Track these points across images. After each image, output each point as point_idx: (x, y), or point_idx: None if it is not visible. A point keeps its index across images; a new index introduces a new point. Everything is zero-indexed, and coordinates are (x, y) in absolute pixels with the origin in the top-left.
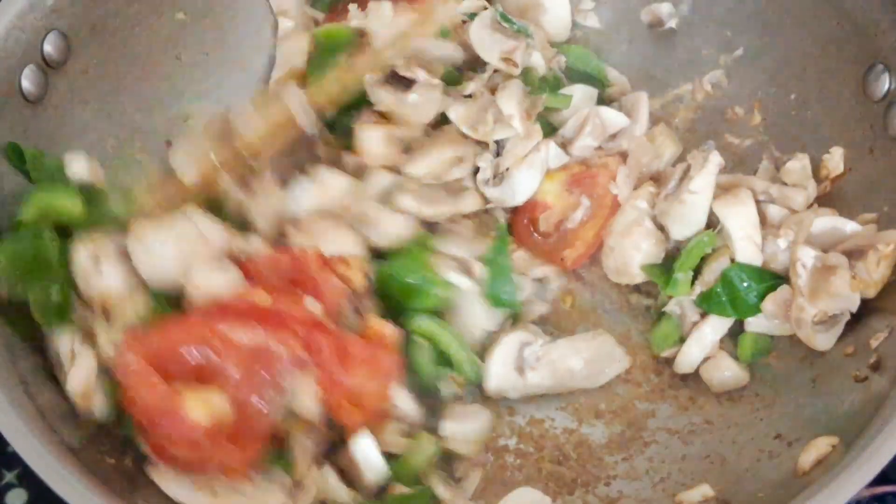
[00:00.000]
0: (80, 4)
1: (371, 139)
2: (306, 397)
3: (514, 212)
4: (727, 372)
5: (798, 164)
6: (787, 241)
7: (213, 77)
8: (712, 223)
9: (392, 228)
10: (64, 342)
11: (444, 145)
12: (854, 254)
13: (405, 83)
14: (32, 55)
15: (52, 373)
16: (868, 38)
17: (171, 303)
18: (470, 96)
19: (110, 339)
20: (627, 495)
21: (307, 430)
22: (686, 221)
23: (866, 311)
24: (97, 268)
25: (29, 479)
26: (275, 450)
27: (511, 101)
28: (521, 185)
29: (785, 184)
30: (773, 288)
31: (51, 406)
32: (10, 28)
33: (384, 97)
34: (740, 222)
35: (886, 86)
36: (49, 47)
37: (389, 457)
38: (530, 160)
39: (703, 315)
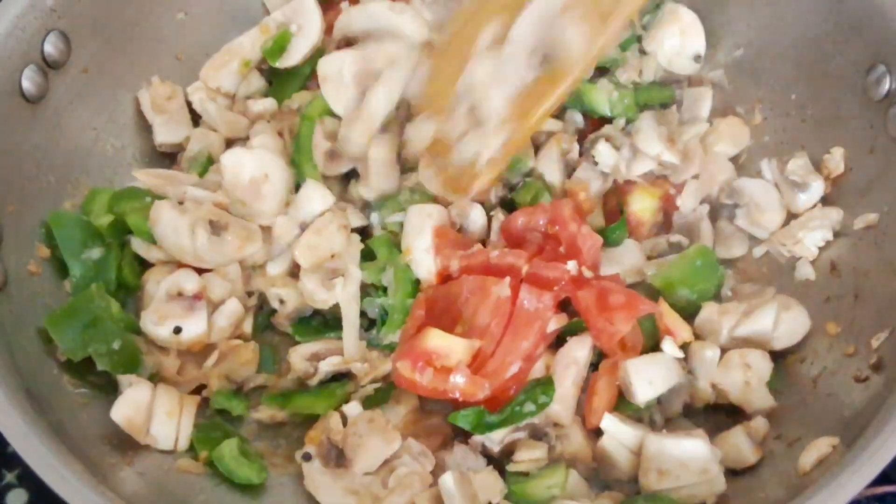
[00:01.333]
0: (80, 5)
1: None
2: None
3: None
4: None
5: (801, 163)
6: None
7: None
8: None
9: None
10: (124, 379)
11: None
12: None
13: None
14: (33, 55)
15: (53, 372)
16: (868, 38)
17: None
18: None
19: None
20: None
21: None
22: None
23: (867, 310)
24: None
25: (29, 479)
26: None
27: (650, 139)
28: None
29: (795, 182)
30: None
31: (52, 407)
32: (11, 28)
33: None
34: None
35: (887, 86)
36: (49, 47)
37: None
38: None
39: None
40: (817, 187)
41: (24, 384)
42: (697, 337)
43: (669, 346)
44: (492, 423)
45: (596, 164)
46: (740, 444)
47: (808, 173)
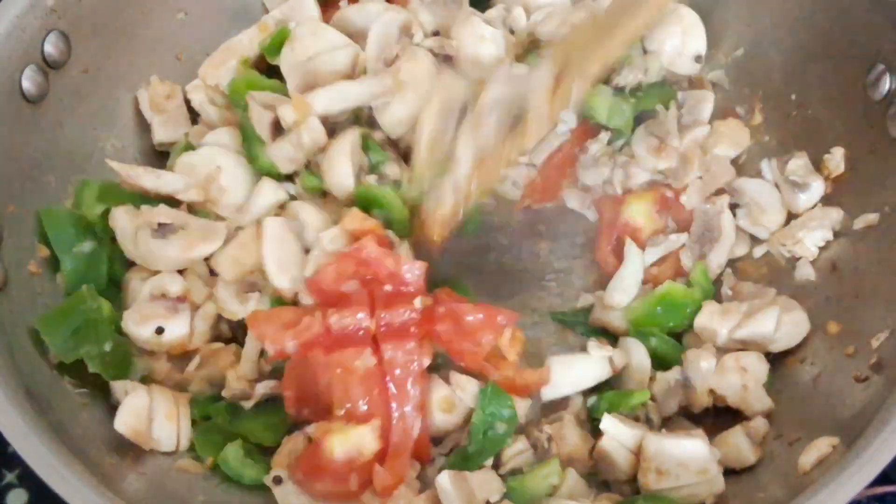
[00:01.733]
0: (80, 5)
1: None
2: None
3: (602, 231)
4: None
5: (801, 163)
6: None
7: None
8: None
9: None
10: (118, 386)
11: None
12: None
13: None
14: (33, 55)
15: (53, 372)
16: (868, 38)
17: None
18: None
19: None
20: None
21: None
22: None
23: (867, 310)
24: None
25: (29, 479)
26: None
27: (643, 158)
28: None
29: (795, 182)
30: None
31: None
32: (11, 28)
33: None
34: None
35: (887, 86)
36: (49, 48)
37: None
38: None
39: None
40: (817, 187)
41: (24, 384)
42: (695, 340)
43: (595, 349)
44: (474, 455)
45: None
46: (740, 444)
47: (809, 173)
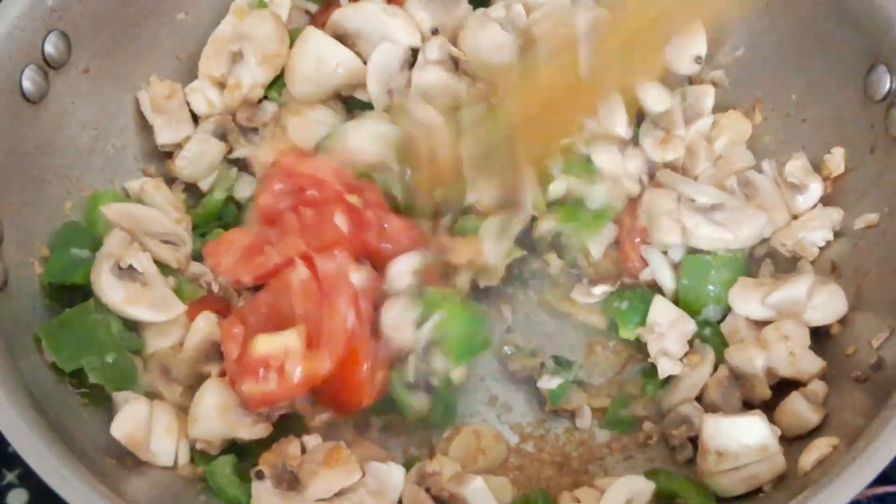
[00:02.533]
0: (80, 5)
1: None
2: None
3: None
4: None
5: (798, 164)
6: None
7: None
8: None
9: None
10: (119, 396)
11: None
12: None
13: None
14: (33, 55)
15: (53, 373)
16: (868, 38)
17: None
18: None
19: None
20: None
21: None
22: None
23: (867, 310)
24: None
25: (29, 479)
26: None
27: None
28: None
29: (793, 184)
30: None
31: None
32: (12, 28)
33: None
34: None
35: (887, 86)
36: (50, 47)
37: None
38: None
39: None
40: (815, 189)
41: (25, 384)
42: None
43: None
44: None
45: None
46: (800, 408)
47: (807, 174)
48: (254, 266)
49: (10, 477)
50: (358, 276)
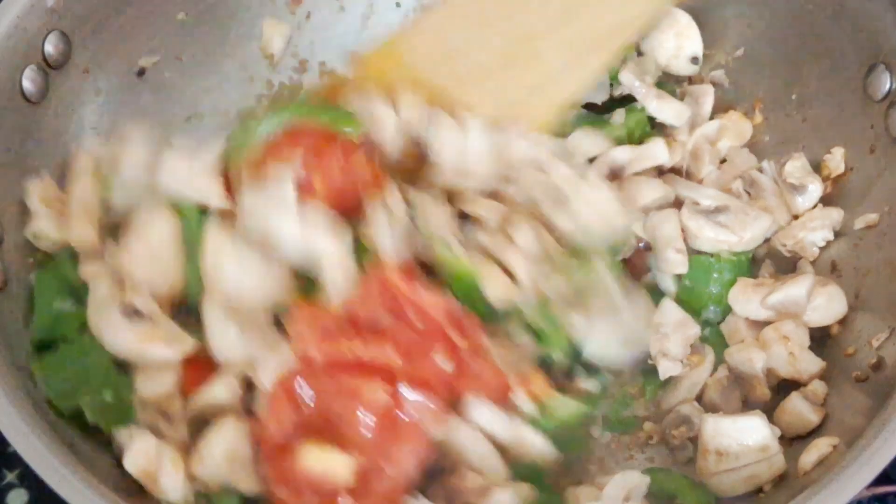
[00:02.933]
0: (80, 5)
1: None
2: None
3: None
4: None
5: (798, 164)
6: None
7: (213, 77)
8: None
9: None
10: (121, 434)
11: None
12: None
13: None
14: (33, 55)
15: None
16: (868, 38)
17: None
18: None
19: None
20: None
21: None
22: None
23: (867, 310)
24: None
25: (29, 479)
26: None
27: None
28: None
29: (792, 184)
30: None
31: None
32: (12, 28)
33: None
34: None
35: (887, 86)
36: (50, 47)
37: None
38: None
39: None
40: (814, 189)
41: (25, 384)
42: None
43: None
44: None
45: None
46: (800, 408)
47: (806, 175)
48: (334, 350)
49: (11, 477)
50: (438, 431)
